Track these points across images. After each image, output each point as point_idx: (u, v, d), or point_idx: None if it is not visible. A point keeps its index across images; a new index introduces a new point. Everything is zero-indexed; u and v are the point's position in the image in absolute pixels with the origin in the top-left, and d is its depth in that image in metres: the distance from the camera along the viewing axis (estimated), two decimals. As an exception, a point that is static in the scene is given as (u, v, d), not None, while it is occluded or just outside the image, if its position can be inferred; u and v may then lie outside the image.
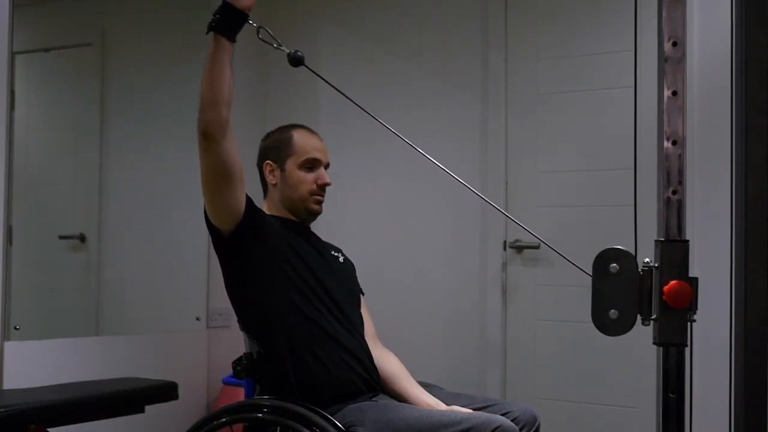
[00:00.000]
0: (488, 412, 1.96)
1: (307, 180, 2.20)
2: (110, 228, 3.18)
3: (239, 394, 2.26)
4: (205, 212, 2.03)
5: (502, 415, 1.92)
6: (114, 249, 3.18)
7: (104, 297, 3.18)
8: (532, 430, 2.02)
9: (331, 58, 3.47)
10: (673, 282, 1.14)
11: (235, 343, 2.41)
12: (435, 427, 1.83)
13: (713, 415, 2.34)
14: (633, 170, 1.60)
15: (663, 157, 1.17)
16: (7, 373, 2.54)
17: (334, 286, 2.16)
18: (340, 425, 1.89)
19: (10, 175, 2.57)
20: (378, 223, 3.45)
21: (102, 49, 3.25)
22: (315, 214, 2.24)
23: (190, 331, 3.30)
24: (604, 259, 1.19)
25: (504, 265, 3.19)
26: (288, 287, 2.07)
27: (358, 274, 2.36)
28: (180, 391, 2.21)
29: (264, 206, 2.23)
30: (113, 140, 3.20)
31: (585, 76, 3.09)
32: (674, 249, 1.16)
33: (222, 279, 2.13)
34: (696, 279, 1.16)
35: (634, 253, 1.19)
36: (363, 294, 2.34)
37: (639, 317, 1.18)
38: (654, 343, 1.17)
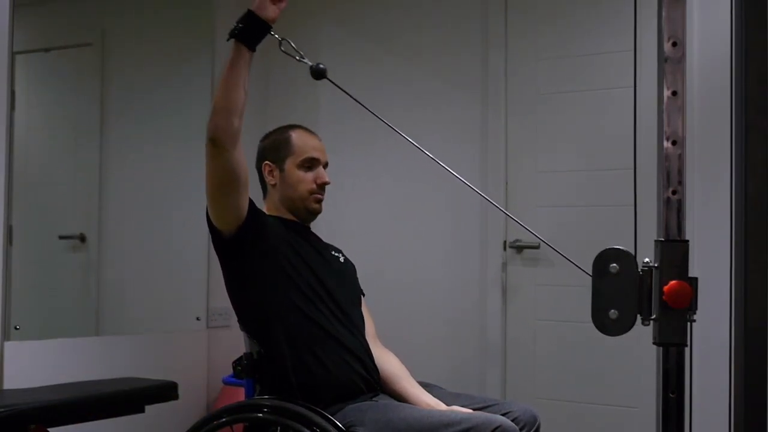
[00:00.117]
0: (488, 412, 1.96)
1: (307, 179, 2.20)
2: (110, 228, 3.18)
3: (239, 394, 2.26)
4: (207, 213, 2.03)
5: (503, 415, 1.92)
6: (114, 249, 3.18)
7: (104, 297, 3.18)
8: (532, 430, 2.02)
9: (331, 58, 3.47)
10: (673, 282, 1.14)
11: (235, 343, 2.41)
12: (435, 427, 1.83)
13: (713, 415, 2.34)
14: (633, 170, 1.60)
15: (663, 157, 1.17)
16: (7, 373, 2.54)
17: (334, 286, 2.16)
18: (340, 425, 1.89)
19: (10, 175, 2.57)
20: (378, 223, 3.45)
21: (102, 49, 3.25)
22: (315, 214, 2.24)
23: (190, 331, 3.30)
24: (604, 259, 1.19)
25: (504, 265, 3.19)
26: (288, 287, 2.07)
27: (358, 274, 2.36)
28: (180, 391, 2.21)
29: (264, 207, 2.23)
30: (113, 140, 3.20)
31: (585, 76, 3.09)
32: (674, 249, 1.16)
33: (222, 279, 2.13)
34: (696, 279, 1.15)
35: (634, 253, 1.19)
36: (363, 295, 2.34)
37: (639, 317, 1.18)
38: (654, 343, 1.17)
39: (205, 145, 1.90)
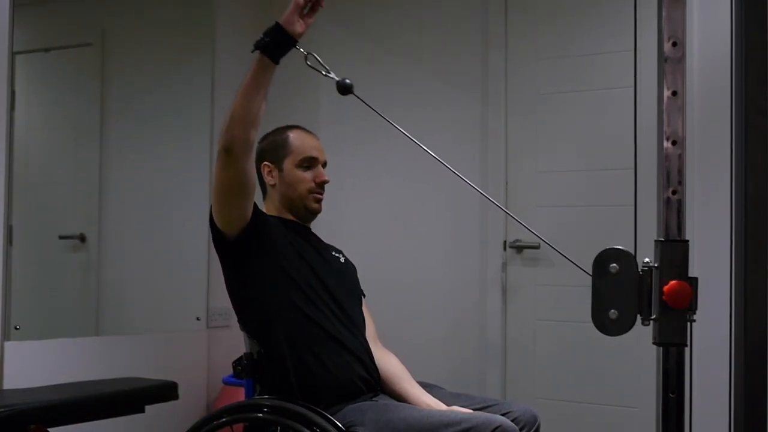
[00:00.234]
0: (488, 412, 1.96)
1: (306, 178, 2.20)
2: (110, 228, 3.18)
3: (239, 394, 2.26)
4: (209, 214, 2.04)
5: (503, 415, 1.92)
6: (114, 249, 3.18)
7: (104, 297, 3.18)
8: (532, 430, 2.02)
9: (331, 58, 3.46)
10: (673, 282, 1.14)
11: (235, 343, 2.41)
12: (435, 427, 1.83)
13: (713, 415, 2.34)
14: (633, 170, 1.60)
15: (663, 157, 1.17)
16: (7, 373, 2.54)
17: (335, 286, 2.16)
18: (340, 425, 1.89)
19: (10, 175, 2.57)
20: (378, 223, 3.45)
21: (102, 49, 3.25)
22: (315, 213, 2.24)
23: (190, 331, 3.30)
24: (604, 259, 1.19)
25: (504, 265, 3.19)
26: (288, 287, 2.07)
27: (358, 274, 2.36)
28: (180, 391, 2.21)
29: (263, 207, 2.23)
30: (113, 140, 3.20)
31: (585, 76, 3.09)
32: (674, 249, 1.16)
33: (222, 279, 2.13)
34: (696, 279, 1.15)
35: (634, 253, 1.19)
36: (364, 296, 2.34)
37: (639, 317, 1.18)
38: (654, 343, 1.17)
39: (217, 152, 1.91)
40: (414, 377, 2.19)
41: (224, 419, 1.97)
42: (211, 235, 2.08)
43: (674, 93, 1.17)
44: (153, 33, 3.35)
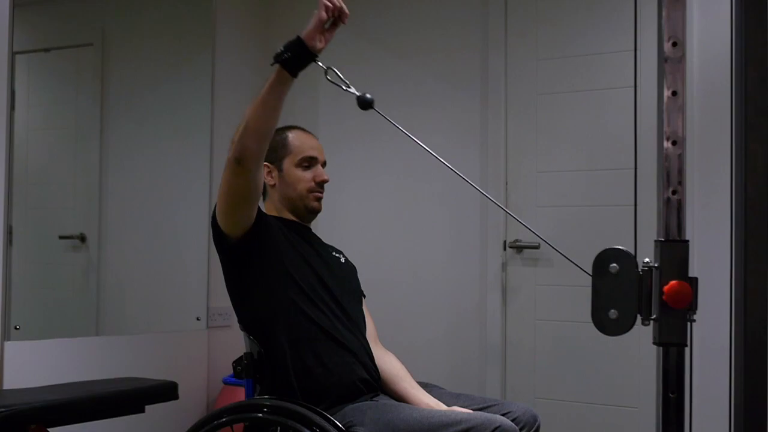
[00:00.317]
0: (488, 412, 1.97)
1: (305, 178, 2.20)
2: (110, 228, 3.18)
3: (239, 394, 2.27)
4: (212, 216, 2.04)
5: (502, 415, 1.92)
6: (114, 249, 3.18)
7: (104, 297, 3.18)
8: (532, 430, 2.02)
9: (331, 59, 3.47)
10: (673, 282, 1.14)
11: (235, 343, 2.41)
12: (435, 427, 1.83)
13: (713, 415, 2.34)
14: (633, 170, 1.60)
15: (663, 157, 1.17)
16: (7, 373, 2.54)
17: (335, 286, 2.16)
18: (340, 425, 1.89)
19: (10, 175, 2.57)
20: (378, 223, 3.45)
21: (102, 49, 3.25)
22: (315, 212, 2.24)
23: (190, 331, 3.30)
24: (604, 259, 1.19)
25: (504, 265, 3.19)
26: (289, 287, 2.07)
27: (358, 274, 2.36)
28: (180, 391, 2.22)
29: (263, 207, 2.23)
30: (113, 140, 3.19)
31: (585, 76, 3.09)
32: (674, 249, 1.16)
33: (222, 279, 2.14)
34: (696, 279, 1.15)
35: (634, 253, 1.19)
36: (364, 296, 2.34)
37: (639, 317, 1.18)
38: (654, 343, 1.17)
39: (227, 159, 1.92)
40: (414, 377, 2.19)
41: (224, 419, 1.97)
42: (212, 234, 2.08)
43: (674, 93, 1.17)
44: (153, 33, 3.35)
